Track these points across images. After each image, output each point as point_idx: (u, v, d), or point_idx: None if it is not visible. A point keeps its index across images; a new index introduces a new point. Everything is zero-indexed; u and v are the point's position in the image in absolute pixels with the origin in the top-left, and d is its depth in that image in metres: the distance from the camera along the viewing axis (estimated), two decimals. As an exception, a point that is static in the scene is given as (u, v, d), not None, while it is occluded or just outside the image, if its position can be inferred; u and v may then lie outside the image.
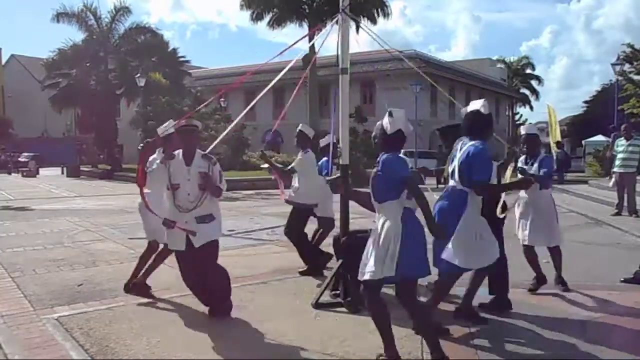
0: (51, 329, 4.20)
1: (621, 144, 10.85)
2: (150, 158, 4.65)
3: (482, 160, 3.89)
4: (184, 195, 4.22)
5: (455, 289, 5.27)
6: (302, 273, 5.96)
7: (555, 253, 5.31)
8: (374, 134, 3.61)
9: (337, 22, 4.97)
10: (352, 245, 4.87)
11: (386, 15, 28.13)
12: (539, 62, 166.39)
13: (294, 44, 9.09)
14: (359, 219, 6.79)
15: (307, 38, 14.23)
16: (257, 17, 28.42)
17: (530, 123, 19.69)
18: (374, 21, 27.30)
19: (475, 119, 4.08)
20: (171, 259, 5.29)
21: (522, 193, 5.32)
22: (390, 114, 3.48)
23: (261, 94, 5.60)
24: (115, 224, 9.98)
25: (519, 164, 5.25)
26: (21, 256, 7.01)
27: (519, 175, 5.12)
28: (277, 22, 28.42)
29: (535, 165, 5.23)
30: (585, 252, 7.33)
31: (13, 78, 48.30)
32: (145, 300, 4.98)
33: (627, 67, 25.68)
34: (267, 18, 28.47)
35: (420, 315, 3.60)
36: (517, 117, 57.02)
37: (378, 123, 3.59)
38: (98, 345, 3.87)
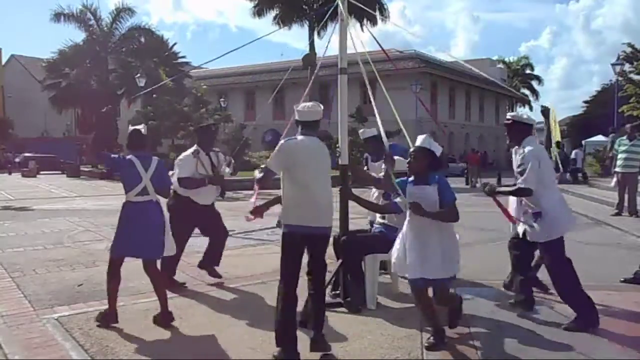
0: (51, 329, 4.21)
1: (623, 143, 10.79)
2: None
3: None
4: None
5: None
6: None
7: None
8: None
9: (336, 15, 4.97)
10: (352, 245, 4.88)
11: (383, 17, 28.09)
12: (539, 63, 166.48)
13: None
14: (358, 219, 6.80)
15: (307, 38, 14.20)
16: (258, 13, 28.29)
17: None
18: (374, 22, 27.27)
19: None
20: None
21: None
22: None
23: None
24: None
25: None
26: (21, 256, 7.00)
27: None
28: (278, 21, 28.38)
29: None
30: (585, 252, 7.32)
31: (13, 78, 48.32)
32: (145, 300, 4.97)
33: (627, 67, 25.65)
34: (268, 15, 28.35)
35: None
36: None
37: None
38: (98, 345, 3.87)
